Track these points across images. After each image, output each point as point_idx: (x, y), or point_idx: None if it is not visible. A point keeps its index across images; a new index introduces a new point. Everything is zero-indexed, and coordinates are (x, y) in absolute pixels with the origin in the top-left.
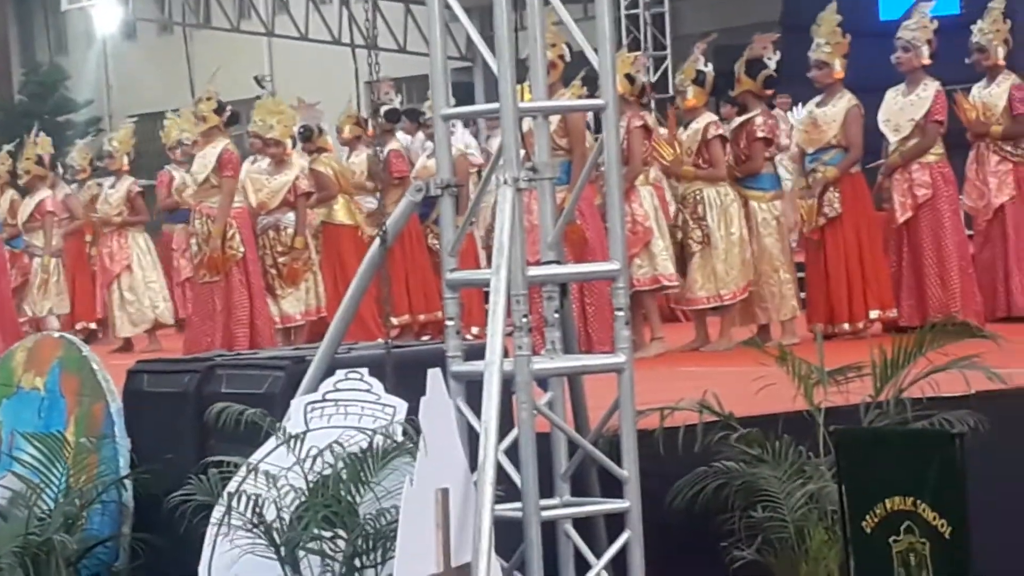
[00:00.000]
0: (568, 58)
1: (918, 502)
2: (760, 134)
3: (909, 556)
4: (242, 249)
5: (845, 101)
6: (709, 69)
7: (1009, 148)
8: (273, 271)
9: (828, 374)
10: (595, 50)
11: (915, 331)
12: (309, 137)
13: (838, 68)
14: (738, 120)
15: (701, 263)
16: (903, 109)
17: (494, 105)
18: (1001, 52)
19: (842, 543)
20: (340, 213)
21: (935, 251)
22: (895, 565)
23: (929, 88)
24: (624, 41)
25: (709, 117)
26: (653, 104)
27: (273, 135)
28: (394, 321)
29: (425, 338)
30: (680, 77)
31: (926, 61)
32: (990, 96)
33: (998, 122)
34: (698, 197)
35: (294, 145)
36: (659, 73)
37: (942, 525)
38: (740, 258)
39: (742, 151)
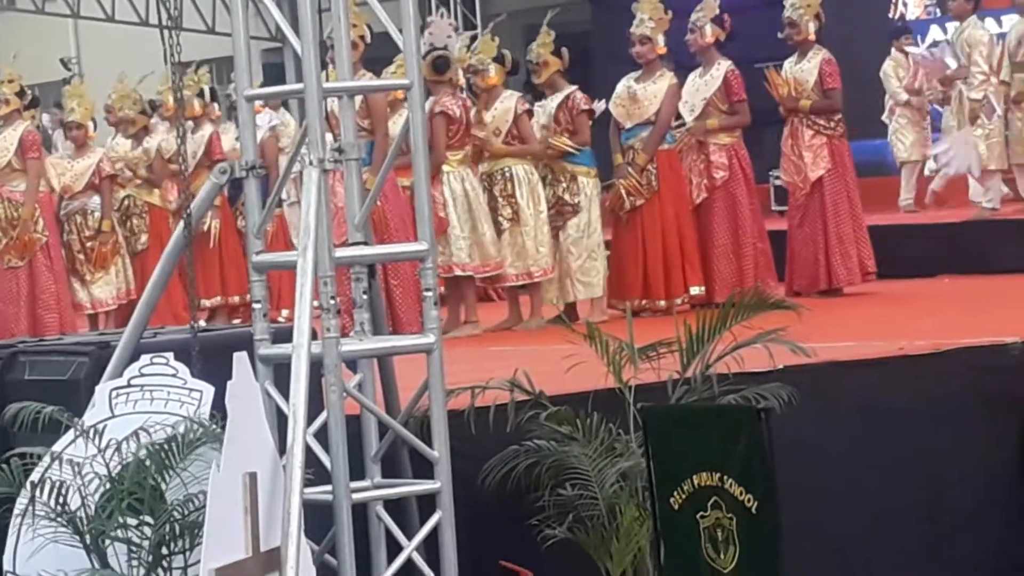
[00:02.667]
0: (369, 39)
1: (725, 477)
2: (584, 107)
3: (716, 531)
4: (47, 233)
5: (667, 78)
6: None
7: (822, 122)
8: (81, 256)
9: (638, 351)
10: (400, 30)
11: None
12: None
13: (661, 44)
14: (555, 99)
15: (511, 240)
16: (698, 89)
17: (298, 86)
18: (812, 27)
19: (651, 520)
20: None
21: (731, 232)
22: (702, 541)
23: (721, 67)
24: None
25: (514, 94)
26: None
27: (74, 118)
28: (207, 303)
29: (236, 322)
30: (479, 56)
31: (710, 40)
32: (801, 71)
33: (808, 97)
34: (507, 175)
35: (95, 128)
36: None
37: (748, 500)
38: (550, 235)
39: (565, 128)
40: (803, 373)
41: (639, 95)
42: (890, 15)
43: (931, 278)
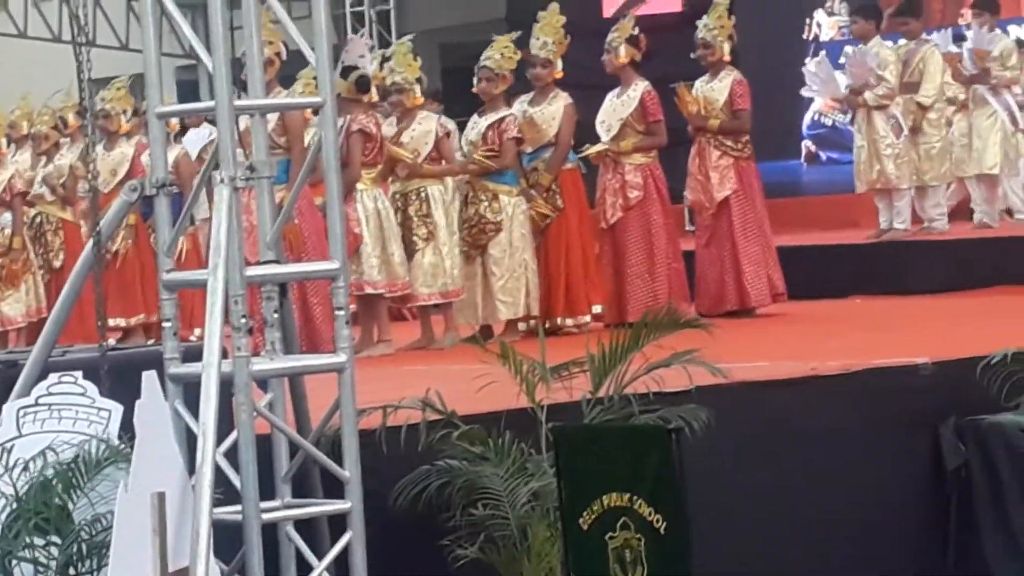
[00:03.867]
0: (285, 56)
1: (634, 498)
2: (514, 134)
3: (624, 552)
4: None
5: (562, 99)
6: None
7: (729, 143)
8: None
9: (550, 370)
10: (312, 48)
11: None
12: None
13: (559, 67)
14: (489, 119)
15: (425, 260)
16: (615, 110)
17: (210, 104)
18: (726, 48)
19: (561, 540)
20: None
21: (645, 252)
22: (611, 561)
23: (638, 88)
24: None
25: (433, 115)
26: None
27: None
28: (129, 322)
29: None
30: (404, 75)
31: (624, 60)
32: (712, 91)
33: (717, 116)
34: (422, 195)
35: (8, 144)
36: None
37: (657, 520)
38: (459, 256)
39: (491, 147)
40: (717, 393)
41: (536, 119)
42: (805, 36)
43: (843, 299)
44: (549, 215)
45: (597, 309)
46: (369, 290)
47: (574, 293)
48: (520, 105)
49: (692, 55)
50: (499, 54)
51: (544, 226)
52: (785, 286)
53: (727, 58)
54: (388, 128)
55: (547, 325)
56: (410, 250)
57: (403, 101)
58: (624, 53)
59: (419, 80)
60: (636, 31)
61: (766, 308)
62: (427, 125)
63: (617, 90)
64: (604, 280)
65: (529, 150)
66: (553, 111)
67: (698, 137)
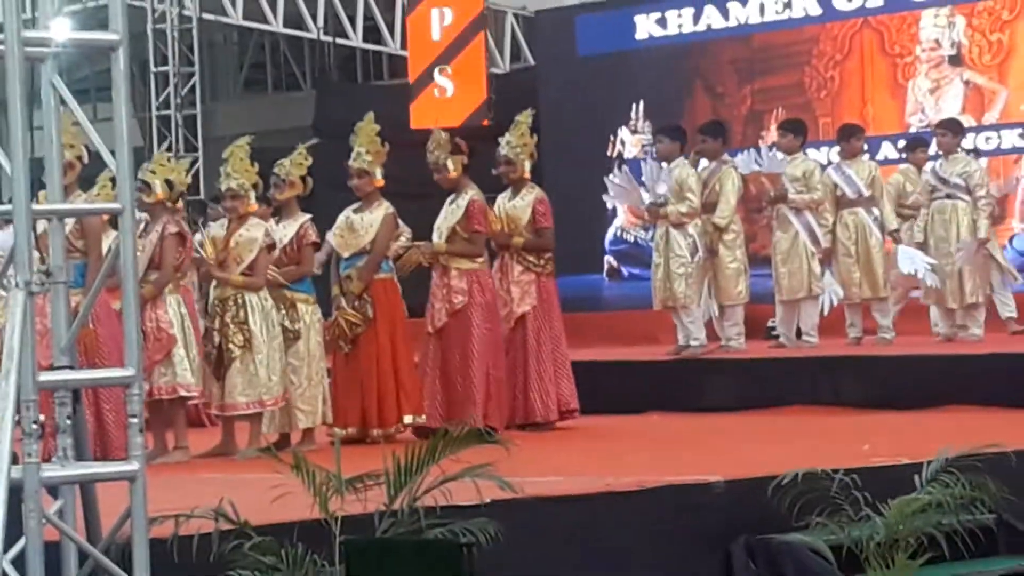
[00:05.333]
0: (86, 160)
1: None
2: (312, 238)
3: None
4: None
5: (383, 208)
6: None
7: (532, 258)
8: None
9: (346, 482)
10: (112, 152)
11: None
12: None
13: (378, 176)
14: (289, 227)
15: (242, 368)
16: (447, 216)
17: (7, 207)
18: (527, 165)
19: None
20: None
21: (463, 357)
22: None
23: (466, 197)
24: (155, 142)
25: (261, 224)
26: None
27: None
28: None
29: None
30: (239, 181)
31: (454, 174)
32: (514, 208)
33: (520, 234)
34: (239, 301)
35: None
36: (190, 175)
37: None
38: (280, 364)
39: (292, 257)
40: (510, 507)
41: (356, 225)
42: (608, 152)
43: (640, 414)
44: (358, 324)
45: (408, 419)
46: (183, 392)
47: (384, 403)
48: (347, 211)
49: (493, 171)
50: (288, 161)
51: (353, 335)
52: (577, 402)
53: (527, 175)
54: (219, 230)
55: (358, 434)
56: (228, 358)
57: (237, 208)
58: (453, 166)
59: (255, 186)
60: (453, 139)
61: (564, 423)
62: (255, 232)
63: (452, 196)
64: (430, 385)
65: (346, 255)
66: (372, 219)
67: (501, 253)
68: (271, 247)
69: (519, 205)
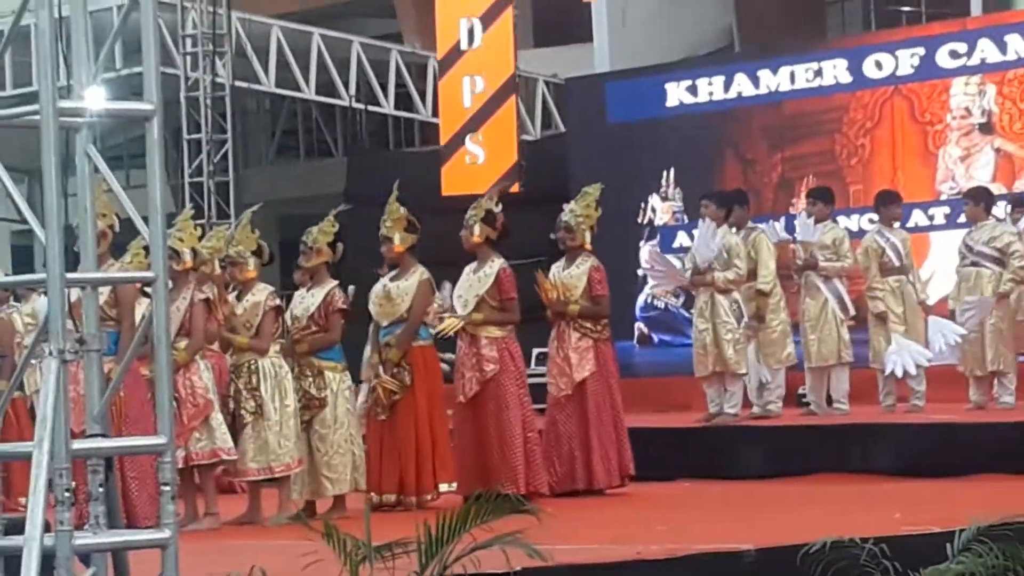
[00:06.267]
0: (118, 228)
1: None
2: (340, 305)
3: None
4: None
5: (418, 274)
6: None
7: (589, 325)
8: None
9: (375, 550)
10: (145, 220)
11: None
12: None
13: (397, 241)
14: (316, 295)
15: (253, 434)
16: (471, 285)
17: (41, 276)
18: (587, 236)
19: None
20: None
21: (497, 424)
22: None
23: (494, 266)
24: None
25: (266, 288)
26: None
27: None
28: None
29: None
30: (238, 248)
31: (477, 239)
32: (570, 277)
33: (576, 302)
34: (252, 367)
35: None
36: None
37: None
38: (295, 430)
39: (319, 324)
40: None
41: (392, 293)
42: (639, 220)
43: (670, 482)
44: (396, 392)
45: (444, 487)
46: (224, 456)
47: (421, 470)
48: (384, 280)
49: (552, 236)
50: (316, 228)
51: (391, 403)
52: (633, 467)
53: (588, 246)
54: (232, 298)
55: (395, 501)
56: (240, 423)
57: (235, 274)
58: (479, 232)
59: (259, 251)
60: (498, 208)
61: (619, 490)
62: (259, 296)
63: (474, 264)
64: (463, 453)
65: (384, 324)
66: (408, 286)
67: (557, 321)
68: (277, 310)
69: (575, 273)
